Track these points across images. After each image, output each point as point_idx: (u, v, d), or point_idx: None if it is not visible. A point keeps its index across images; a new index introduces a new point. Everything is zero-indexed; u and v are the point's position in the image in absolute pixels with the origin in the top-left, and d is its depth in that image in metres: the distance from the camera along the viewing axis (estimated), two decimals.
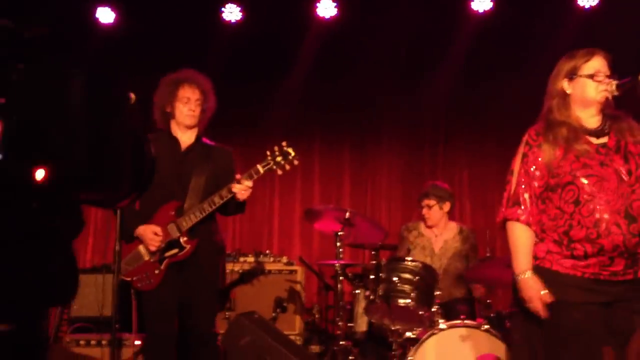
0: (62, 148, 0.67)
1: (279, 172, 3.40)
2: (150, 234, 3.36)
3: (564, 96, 2.67)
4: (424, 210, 4.52)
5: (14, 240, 0.65)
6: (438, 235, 4.50)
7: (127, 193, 0.72)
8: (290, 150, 3.39)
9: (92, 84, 0.69)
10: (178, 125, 3.52)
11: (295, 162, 3.41)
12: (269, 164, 3.36)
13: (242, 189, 3.30)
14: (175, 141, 3.50)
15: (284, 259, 5.39)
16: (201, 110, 3.50)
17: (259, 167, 3.35)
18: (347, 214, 4.16)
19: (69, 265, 0.66)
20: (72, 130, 0.67)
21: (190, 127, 3.52)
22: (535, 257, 2.62)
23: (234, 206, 3.42)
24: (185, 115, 3.47)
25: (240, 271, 5.17)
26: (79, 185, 0.69)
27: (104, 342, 3.92)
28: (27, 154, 0.62)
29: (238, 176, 3.35)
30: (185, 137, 3.53)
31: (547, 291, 2.55)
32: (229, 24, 6.27)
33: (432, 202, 4.48)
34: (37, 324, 0.62)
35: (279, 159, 3.36)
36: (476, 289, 4.39)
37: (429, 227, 4.52)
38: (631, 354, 2.50)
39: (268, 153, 3.38)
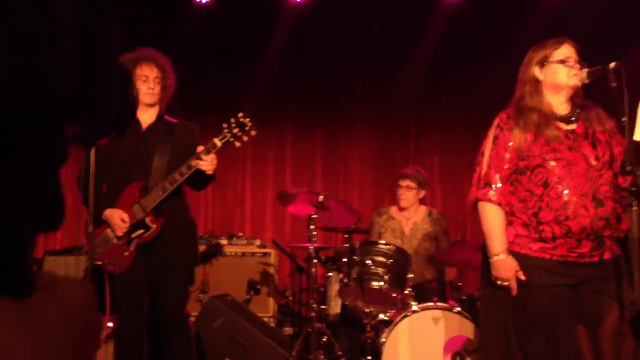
0: (50, 64, 0.65)
1: (237, 144, 3.34)
2: (117, 220, 3.32)
3: (536, 83, 2.75)
4: (402, 190, 4.55)
5: None
6: (409, 218, 4.55)
7: (110, 125, 0.69)
8: (246, 121, 3.31)
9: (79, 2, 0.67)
10: (138, 105, 3.48)
11: (253, 133, 3.34)
12: (225, 136, 3.30)
13: (205, 164, 3.27)
14: (135, 121, 3.45)
15: (257, 242, 5.41)
16: (161, 87, 3.46)
17: (216, 140, 3.30)
18: (321, 197, 4.19)
19: (54, 192, 0.64)
20: (60, 45, 0.65)
21: (150, 106, 3.47)
22: None
23: (201, 179, 3.38)
24: (145, 94, 3.42)
25: (210, 252, 5.16)
26: (64, 106, 0.67)
27: None
28: (14, 69, 0.61)
29: (200, 148, 3.31)
30: (146, 116, 3.47)
31: (520, 270, 2.63)
32: (199, 4, 6.21)
33: (412, 184, 4.53)
34: (22, 250, 0.61)
35: (235, 130, 3.30)
36: (449, 272, 4.47)
37: (402, 208, 4.57)
38: (604, 336, 2.58)
39: (225, 125, 3.31)
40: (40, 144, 0.65)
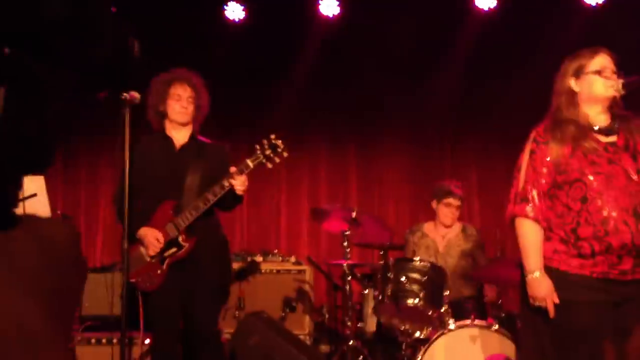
0: None
1: (269, 165, 3.38)
2: (152, 239, 3.37)
3: (572, 94, 2.68)
4: (451, 209, 4.45)
5: None
6: (443, 235, 4.49)
7: (105, 70, 0.65)
8: (279, 142, 3.36)
9: None
10: (171, 124, 3.53)
11: (285, 155, 3.38)
12: (258, 157, 3.35)
13: (237, 184, 3.30)
14: (169, 141, 3.52)
15: (292, 259, 5.40)
16: (194, 107, 3.51)
17: (248, 161, 3.34)
18: (354, 214, 4.16)
19: (43, 129, 0.61)
20: None
21: (183, 125, 3.53)
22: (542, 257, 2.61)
23: (231, 200, 3.41)
24: (178, 113, 3.48)
25: (245, 269, 5.16)
26: (54, 33, 0.64)
27: (114, 341, 3.94)
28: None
29: (233, 169, 3.35)
30: (180, 136, 3.54)
31: (556, 291, 2.55)
32: (231, 22, 6.28)
33: (458, 202, 4.46)
34: (2, 186, 0.58)
35: (267, 152, 3.35)
36: (488, 292, 4.38)
37: (448, 226, 4.49)
38: (631, 351, 2.49)
39: (257, 147, 3.37)
40: (27, 74, 0.62)
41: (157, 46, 5.96)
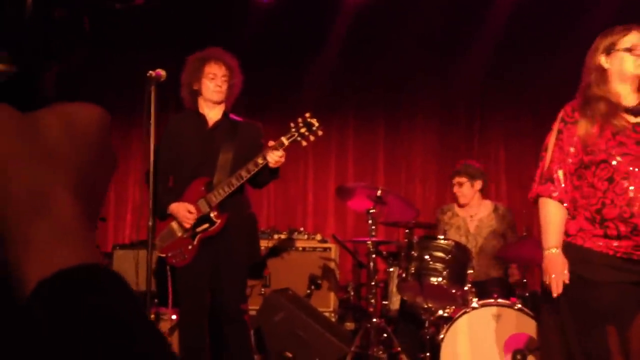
0: None
1: (304, 143, 3.41)
2: (184, 212, 3.42)
3: (602, 71, 2.63)
4: (455, 188, 4.52)
5: None
6: (473, 215, 4.47)
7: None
8: (314, 121, 3.38)
9: None
10: (205, 102, 3.57)
11: (319, 133, 3.40)
12: (293, 135, 3.37)
13: (273, 159, 3.33)
14: (202, 118, 3.55)
15: (318, 237, 5.42)
16: (228, 86, 3.54)
17: (283, 139, 3.36)
18: (379, 192, 4.16)
19: (72, 12, 0.60)
20: None
21: (217, 103, 3.56)
22: (566, 234, 2.60)
23: (267, 175, 3.44)
24: (212, 92, 3.51)
25: (275, 249, 5.22)
26: None
27: None
28: None
29: (270, 143, 3.37)
30: (213, 114, 3.57)
31: (567, 272, 2.54)
32: (260, 3, 6.28)
33: (463, 179, 4.47)
34: (35, 70, 0.59)
35: (302, 130, 3.37)
36: (512, 275, 4.37)
37: (462, 205, 4.50)
38: (633, 336, 2.47)
39: (292, 125, 3.39)
40: None
41: (188, 28, 6.02)
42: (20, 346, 0.48)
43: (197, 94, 3.57)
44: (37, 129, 0.52)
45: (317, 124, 3.37)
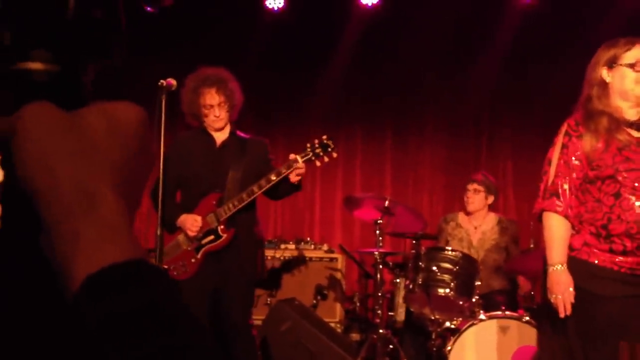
0: None
1: (317, 163, 3.44)
2: (191, 220, 3.43)
3: (604, 85, 2.58)
4: (469, 194, 4.48)
5: None
6: (477, 227, 4.46)
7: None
8: (330, 142, 3.42)
9: None
10: (209, 126, 3.58)
11: (334, 155, 3.45)
12: (307, 155, 3.40)
13: (297, 172, 3.35)
14: (209, 137, 3.56)
15: (325, 247, 5.42)
16: (227, 110, 3.53)
17: (298, 158, 3.38)
18: (387, 202, 4.16)
19: (112, 12, 0.61)
20: None
21: (220, 129, 3.58)
22: (571, 248, 2.56)
23: (288, 188, 3.45)
24: (212, 121, 3.53)
25: (281, 259, 5.22)
26: None
27: None
28: None
29: (292, 156, 3.38)
30: (219, 134, 3.58)
31: (573, 290, 2.50)
32: (271, 11, 6.32)
33: (480, 188, 4.46)
34: (76, 69, 0.60)
35: (318, 150, 3.40)
36: (522, 286, 4.35)
37: (469, 213, 4.48)
38: None
39: (308, 145, 3.41)
40: None
41: (199, 36, 6.06)
42: (68, 341, 0.48)
43: (199, 118, 3.57)
44: (81, 127, 0.53)
45: (332, 146, 3.42)
